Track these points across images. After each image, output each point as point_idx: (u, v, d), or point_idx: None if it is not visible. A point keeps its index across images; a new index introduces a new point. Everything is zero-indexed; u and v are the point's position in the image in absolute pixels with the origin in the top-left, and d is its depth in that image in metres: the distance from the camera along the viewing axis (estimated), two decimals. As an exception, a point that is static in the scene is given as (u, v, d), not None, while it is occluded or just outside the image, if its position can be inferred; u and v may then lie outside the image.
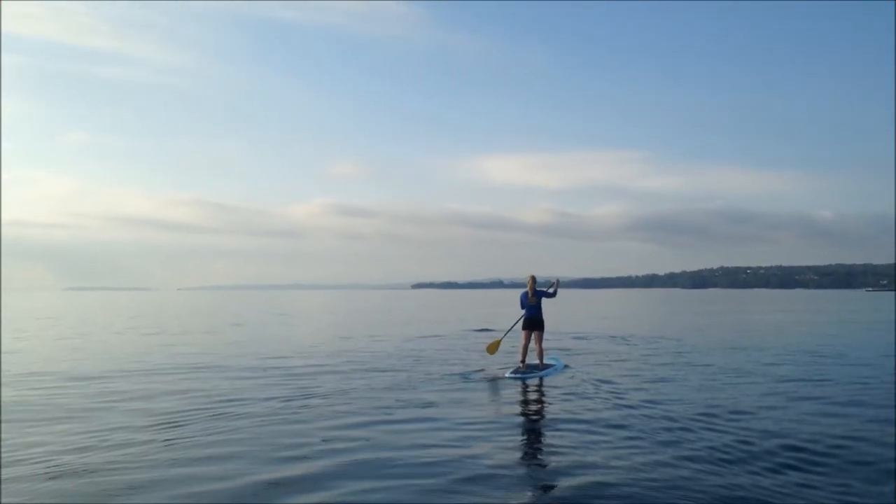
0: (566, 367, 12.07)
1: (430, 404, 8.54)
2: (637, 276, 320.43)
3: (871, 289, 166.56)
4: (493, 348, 12.50)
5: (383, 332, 22.26)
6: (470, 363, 12.88)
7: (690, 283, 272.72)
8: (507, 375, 11.02)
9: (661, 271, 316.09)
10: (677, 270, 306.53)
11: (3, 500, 4.84)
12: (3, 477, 5.43)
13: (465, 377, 10.95)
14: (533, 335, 11.62)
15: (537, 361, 11.59)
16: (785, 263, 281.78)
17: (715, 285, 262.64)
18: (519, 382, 10.51)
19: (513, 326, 12.46)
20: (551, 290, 11.80)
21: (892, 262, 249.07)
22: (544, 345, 11.85)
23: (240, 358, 14.11)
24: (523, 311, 11.70)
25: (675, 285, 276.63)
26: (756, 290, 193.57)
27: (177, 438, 6.76)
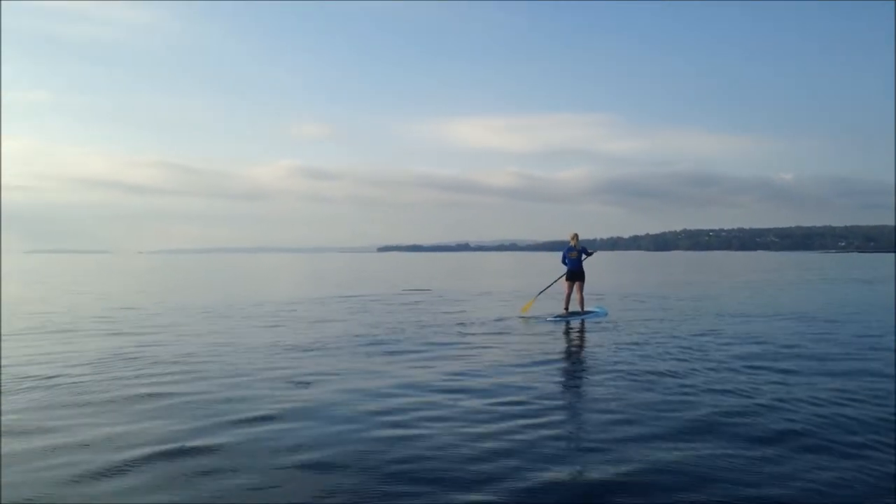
0: (607, 314, 12.65)
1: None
2: (602, 239, 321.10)
3: (834, 251, 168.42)
4: (526, 308, 13.03)
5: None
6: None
7: (653, 246, 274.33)
8: (549, 319, 11.88)
9: (626, 234, 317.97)
10: (641, 233, 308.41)
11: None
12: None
13: (501, 321, 11.64)
14: (575, 285, 12.46)
15: (579, 308, 12.44)
16: (746, 226, 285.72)
17: (677, 247, 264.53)
18: (562, 323, 11.36)
19: (550, 285, 13.66)
20: (591, 251, 12.68)
21: (850, 224, 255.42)
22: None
23: None
24: (566, 266, 12.45)
25: (638, 248, 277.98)
26: (717, 253, 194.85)
27: None
